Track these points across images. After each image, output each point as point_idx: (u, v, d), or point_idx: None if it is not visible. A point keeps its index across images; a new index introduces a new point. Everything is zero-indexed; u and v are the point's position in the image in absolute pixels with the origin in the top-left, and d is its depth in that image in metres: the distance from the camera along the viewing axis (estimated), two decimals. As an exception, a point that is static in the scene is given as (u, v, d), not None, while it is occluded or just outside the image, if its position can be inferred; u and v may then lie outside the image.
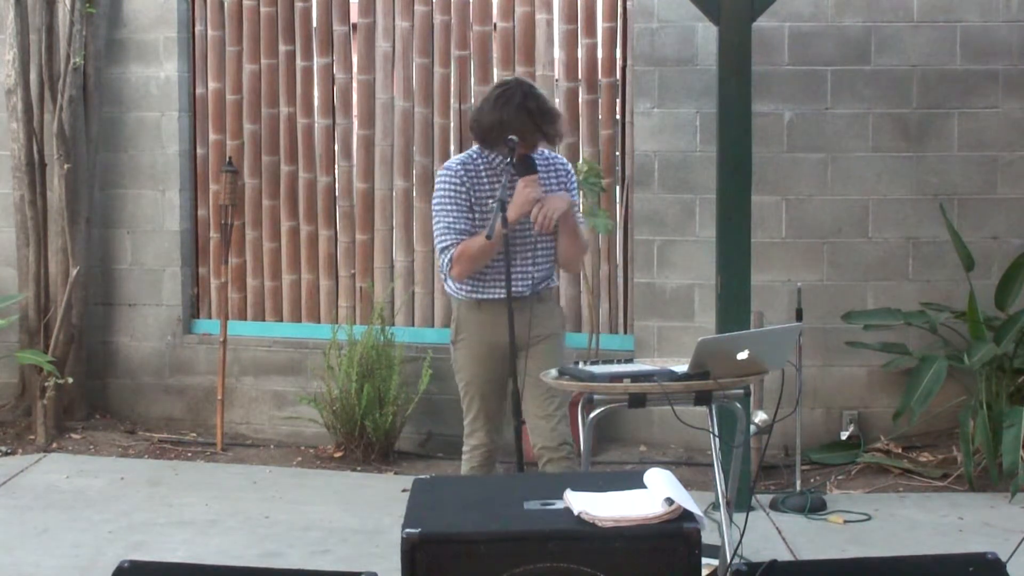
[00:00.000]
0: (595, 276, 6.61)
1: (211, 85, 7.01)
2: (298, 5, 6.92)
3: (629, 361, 4.35)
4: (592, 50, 6.63)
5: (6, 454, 6.46)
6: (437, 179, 4.48)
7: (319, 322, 6.94)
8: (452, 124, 6.73)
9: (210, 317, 7.06)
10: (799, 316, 5.63)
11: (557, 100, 6.62)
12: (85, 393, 6.97)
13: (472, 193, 4.39)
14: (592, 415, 3.93)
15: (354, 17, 6.93)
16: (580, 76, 6.64)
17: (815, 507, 5.50)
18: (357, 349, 6.37)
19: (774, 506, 5.57)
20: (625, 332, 6.63)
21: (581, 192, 6.13)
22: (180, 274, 7.01)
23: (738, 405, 4.15)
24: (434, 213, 4.43)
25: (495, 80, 6.24)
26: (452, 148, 6.66)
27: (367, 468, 6.33)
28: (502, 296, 4.30)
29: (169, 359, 7.05)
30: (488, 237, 4.10)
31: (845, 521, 5.37)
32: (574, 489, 2.94)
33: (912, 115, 6.36)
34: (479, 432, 4.49)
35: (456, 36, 6.72)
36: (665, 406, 3.84)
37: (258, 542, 5.14)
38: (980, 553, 2.88)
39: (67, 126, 6.69)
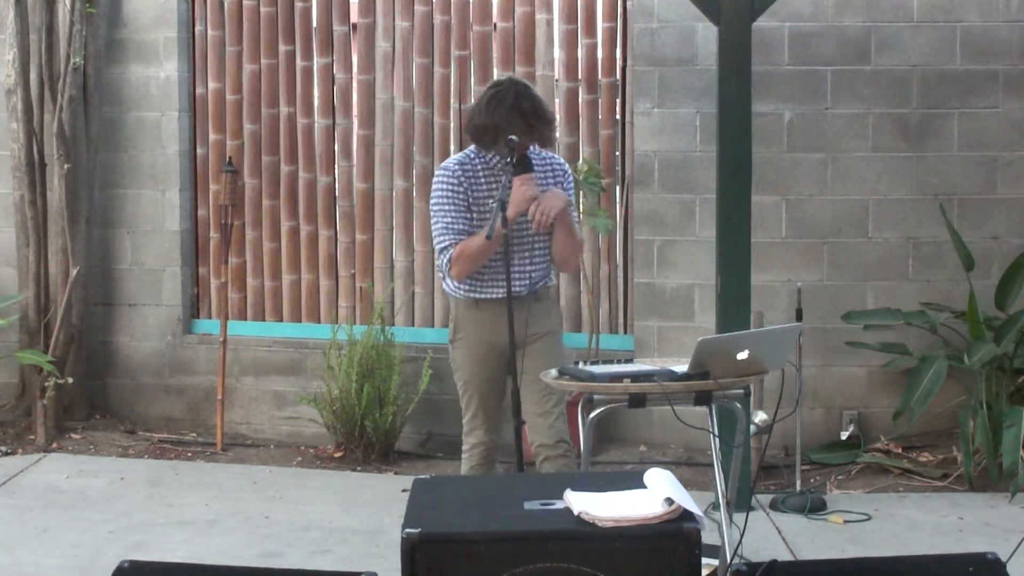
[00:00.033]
0: (595, 276, 6.61)
1: (211, 85, 7.02)
2: (298, 5, 6.92)
3: (629, 361, 4.35)
4: (592, 50, 6.63)
5: (6, 454, 6.46)
6: (435, 179, 4.48)
7: (319, 322, 6.95)
8: (452, 124, 6.73)
9: (210, 317, 7.06)
10: (799, 316, 5.63)
11: (557, 100, 6.62)
12: (85, 393, 6.97)
13: (470, 193, 4.39)
14: (592, 415, 3.93)
15: (354, 17, 6.93)
16: (580, 76, 6.64)
17: (815, 507, 5.50)
18: (357, 349, 6.38)
19: (774, 506, 5.57)
20: (625, 332, 6.63)
21: (581, 192, 6.14)
22: (180, 274, 7.01)
23: (738, 405, 4.15)
24: (432, 213, 4.43)
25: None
26: (452, 148, 6.66)
27: (367, 468, 6.33)
28: (500, 296, 4.31)
29: (169, 359, 7.05)
30: (488, 237, 4.11)
31: (845, 521, 5.37)
32: (574, 489, 2.94)
33: (912, 115, 6.36)
34: (478, 430, 4.50)
35: (456, 36, 6.72)
36: (665, 406, 3.84)
37: (258, 542, 5.14)
38: (980, 553, 2.88)
39: (67, 126, 6.69)
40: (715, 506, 4.63)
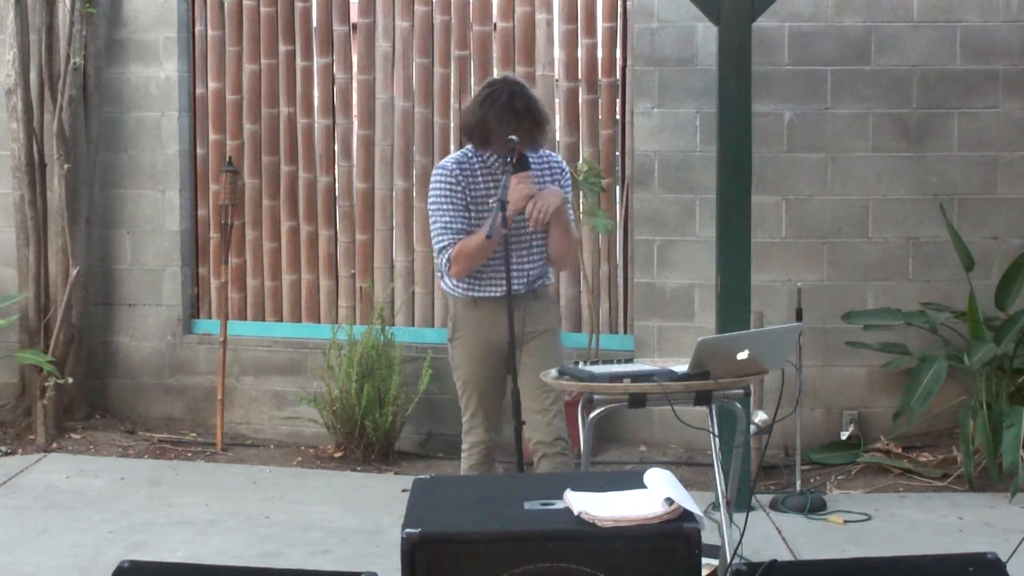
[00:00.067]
0: (595, 276, 6.61)
1: (211, 85, 7.01)
2: (298, 5, 6.92)
3: (629, 361, 4.36)
4: (592, 50, 6.63)
5: (6, 454, 6.45)
6: (432, 178, 4.47)
7: (319, 322, 6.94)
8: (452, 124, 6.73)
9: (210, 317, 7.06)
10: (799, 316, 5.63)
11: (557, 100, 6.62)
12: (85, 393, 6.97)
13: (468, 192, 4.40)
14: (592, 415, 3.93)
15: (354, 17, 6.93)
16: (580, 76, 6.63)
17: (815, 507, 5.50)
18: (357, 349, 6.37)
19: (774, 506, 5.57)
20: (625, 332, 6.63)
21: (581, 192, 6.14)
22: (180, 274, 7.01)
23: (738, 405, 4.15)
24: (430, 212, 4.43)
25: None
26: (452, 148, 6.65)
27: (367, 468, 6.33)
28: (498, 294, 4.32)
29: (169, 359, 7.05)
30: (488, 236, 4.11)
31: (845, 521, 5.37)
32: (574, 489, 2.94)
33: (912, 115, 6.36)
34: (477, 429, 4.51)
35: (456, 36, 6.72)
36: (665, 406, 3.84)
37: (258, 542, 5.13)
38: (980, 553, 2.88)
39: (67, 126, 6.69)
40: (715, 506, 4.63)
